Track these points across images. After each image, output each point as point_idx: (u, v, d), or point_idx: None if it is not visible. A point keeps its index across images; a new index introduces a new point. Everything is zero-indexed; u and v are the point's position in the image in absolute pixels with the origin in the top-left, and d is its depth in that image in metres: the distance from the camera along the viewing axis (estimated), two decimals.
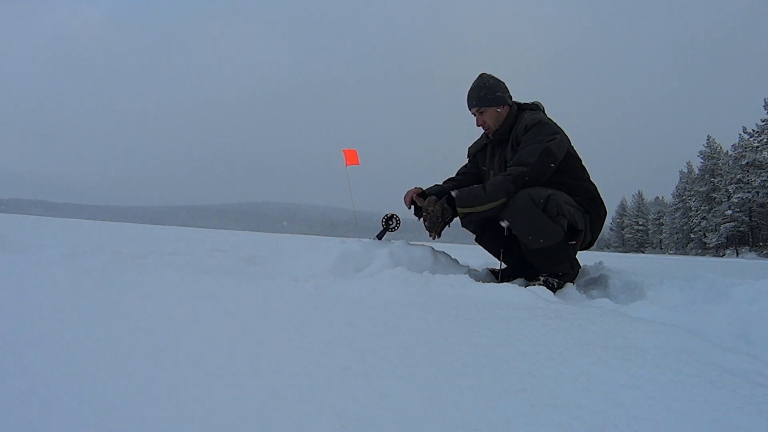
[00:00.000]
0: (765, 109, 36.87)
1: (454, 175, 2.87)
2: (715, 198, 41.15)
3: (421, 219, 2.47)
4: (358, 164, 2.76)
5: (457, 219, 2.69)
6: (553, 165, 2.30)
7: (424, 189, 2.65)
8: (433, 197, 2.44)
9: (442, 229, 2.45)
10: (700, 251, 41.74)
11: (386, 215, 2.78)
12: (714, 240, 39.96)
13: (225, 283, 1.66)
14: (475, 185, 2.36)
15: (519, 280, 2.46)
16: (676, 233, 46.51)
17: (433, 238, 2.50)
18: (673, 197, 48.33)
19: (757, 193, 36.62)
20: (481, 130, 2.67)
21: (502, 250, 2.52)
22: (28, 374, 0.79)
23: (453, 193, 2.35)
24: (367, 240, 2.57)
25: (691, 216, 43.78)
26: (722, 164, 40.27)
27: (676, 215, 46.19)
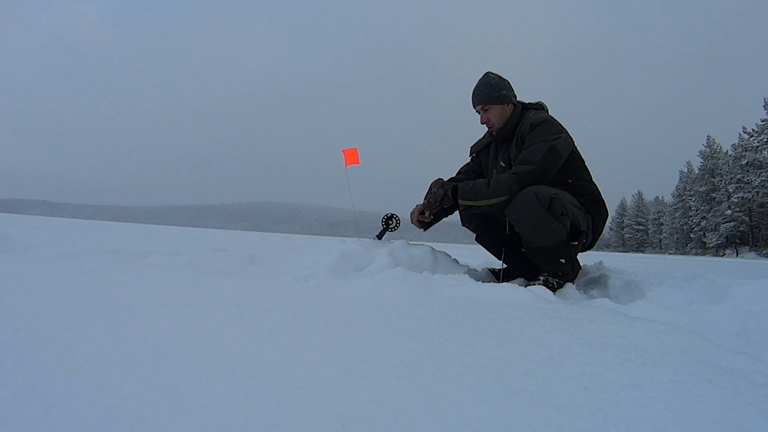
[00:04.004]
0: (765, 109, 36.89)
1: (455, 174, 2.87)
2: (715, 198, 41.16)
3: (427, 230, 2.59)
4: (358, 163, 2.76)
5: (457, 217, 2.70)
6: (558, 164, 2.32)
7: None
8: (441, 180, 2.57)
9: (438, 213, 2.54)
10: (700, 251, 41.76)
11: (386, 215, 2.78)
12: (714, 240, 39.97)
13: (225, 282, 1.66)
14: (480, 180, 2.39)
15: (519, 279, 2.47)
16: (676, 233, 46.53)
17: (424, 227, 2.59)
18: (673, 197, 48.35)
19: (757, 193, 36.62)
20: (484, 129, 2.67)
21: (503, 249, 2.53)
22: (28, 374, 0.79)
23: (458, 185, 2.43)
24: (367, 240, 2.57)
25: (691, 216, 43.79)
26: (722, 164, 40.29)
27: (676, 215, 46.20)
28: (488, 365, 0.94)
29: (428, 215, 2.56)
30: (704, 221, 41.39)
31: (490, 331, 1.17)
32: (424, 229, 2.66)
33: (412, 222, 2.66)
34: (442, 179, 2.60)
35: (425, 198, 2.52)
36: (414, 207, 2.62)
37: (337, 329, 1.14)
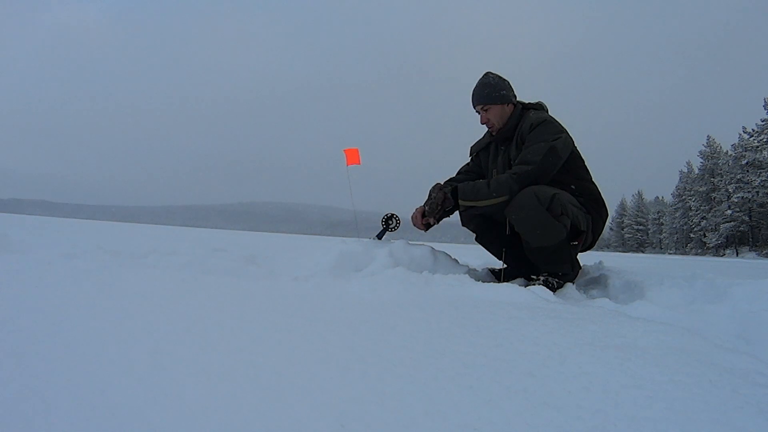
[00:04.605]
0: (765, 109, 36.88)
1: (454, 174, 2.87)
2: (714, 198, 41.16)
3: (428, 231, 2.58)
4: (359, 163, 2.76)
5: (457, 218, 2.70)
6: (558, 164, 2.32)
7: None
8: (438, 184, 2.55)
9: (440, 217, 2.53)
10: (700, 251, 41.76)
11: (386, 215, 2.78)
12: (714, 240, 39.98)
13: (225, 282, 1.66)
14: (480, 180, 2.39)
15: (519, 279, 2.46)
16: (676, 233, 46.52)
17: (426, 228, 2.57)
18: (673, 197, 48.35)
19: (757, 192, 36.62)
20: (484, 129, 2.67)
21: (504, 250, 2.53)
22: (28, 374, 0.79)
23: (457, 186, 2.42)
24: (367, 240, 2.57)
25: (690, 216, 43.79)
26: (722, 164, 40.28)
27: (676, 215, 46.20)
28: (488, 365, 0.94)
29: (432, 221, 2.55)
30: (704, 221, 41.39)
31: (490, 331, 1.17)
32: (425, 230, 2.66)
33: (414, 225, 2.66)
34: (440, 183, 2.59)
35: (426, 204, 2.51)
36: (414, 210, 2.61)
37: (337, 329, 1.14)
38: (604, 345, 1.06)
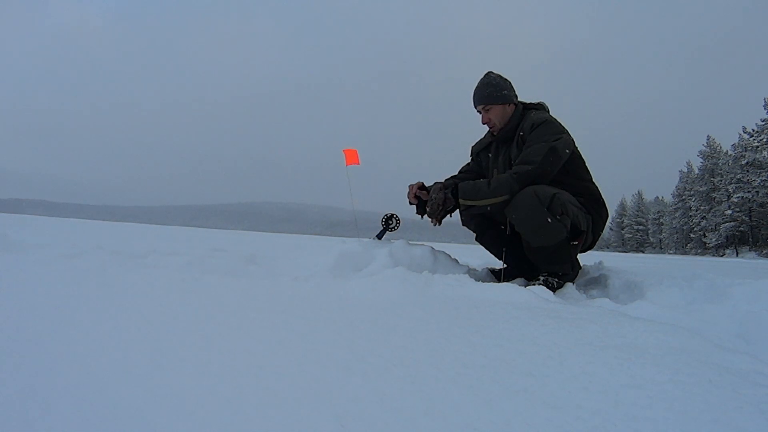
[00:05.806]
0: (765, 109, 36.88)
1: (456, 173, 2.87)
2: (714, 198, 41.16)
3: (424, 217, 2.55)
4: (358, 164, 2.76)
5: (457, 217, 2.70)
6: (558, 164, 2.32)
7: (426, 185, 2.66)
8: (439, 185, 2.53)
9: (442, 217, 2.51)
10: (700, 251, 41.77)
11: (386, 215, 2.78)
12: (714, 240, 39.98)
13: (225, 282, 1.66)
14: (481, 179, 2.39)
15: (519, 279, 2.46)
16: (676, 233, 46.53)
17: (434, 224, 2.55)
18: (673, 197, 48.34)
19: (757, 192, 36.62)
20: (485, 129, 2.67)
21: (504, 249, 2.53)
22: (28, 374, 0.79)
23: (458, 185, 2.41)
24: (367, 240, 2.57)
25: (690, 216, 43.80)
26: (722, 164, 40.29)
27: (676, 215, 46.20)
28: (488, 365, 0.94)
29: (434, 222, 2.53)
30: (704, 221, 41.39)
31: (490, 331, 1.17)
32: (422, 216, 2.61)
33: (408, 199, 2.60)
34: (440, 183, 2.57)
35: (427, 206, 2.50)
36: (413, 186, 2.58)
37: (337, 329, 1.14)
38: (604, 345, 1.06)
